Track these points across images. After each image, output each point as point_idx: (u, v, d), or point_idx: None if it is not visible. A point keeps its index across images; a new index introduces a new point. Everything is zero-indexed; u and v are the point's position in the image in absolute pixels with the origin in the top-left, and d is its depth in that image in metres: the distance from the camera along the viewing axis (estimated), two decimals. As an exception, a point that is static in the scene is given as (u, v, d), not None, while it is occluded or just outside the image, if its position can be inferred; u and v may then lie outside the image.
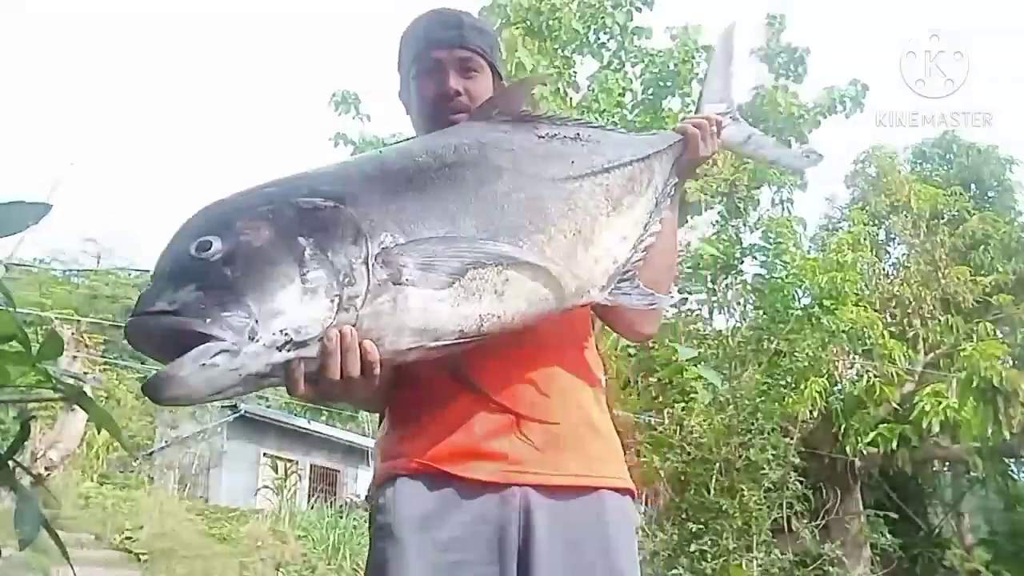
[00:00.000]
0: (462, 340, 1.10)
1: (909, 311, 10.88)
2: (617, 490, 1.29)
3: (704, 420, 7.08)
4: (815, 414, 8.82)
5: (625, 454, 1.36)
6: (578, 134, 1.32)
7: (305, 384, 1.01)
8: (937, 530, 12.19)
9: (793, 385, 8.31)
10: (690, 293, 9.00)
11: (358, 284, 1.02)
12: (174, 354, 0.96)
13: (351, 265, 1.02)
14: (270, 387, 1.05)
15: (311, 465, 15.73)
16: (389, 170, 1.17)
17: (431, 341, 1.07)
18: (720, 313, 8.92)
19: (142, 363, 14.08)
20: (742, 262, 8.94)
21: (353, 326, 1.01)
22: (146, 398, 1.06)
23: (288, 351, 0.98)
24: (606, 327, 1.52)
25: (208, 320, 0.96)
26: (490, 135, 1.25)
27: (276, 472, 13.49)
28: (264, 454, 14.98)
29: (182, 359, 0.95)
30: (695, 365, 7.25)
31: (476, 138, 1.24)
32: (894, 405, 9.72)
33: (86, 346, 9.08)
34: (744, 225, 9.12)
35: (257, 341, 0.97)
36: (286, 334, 0.98)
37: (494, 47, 1.44)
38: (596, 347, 1.42)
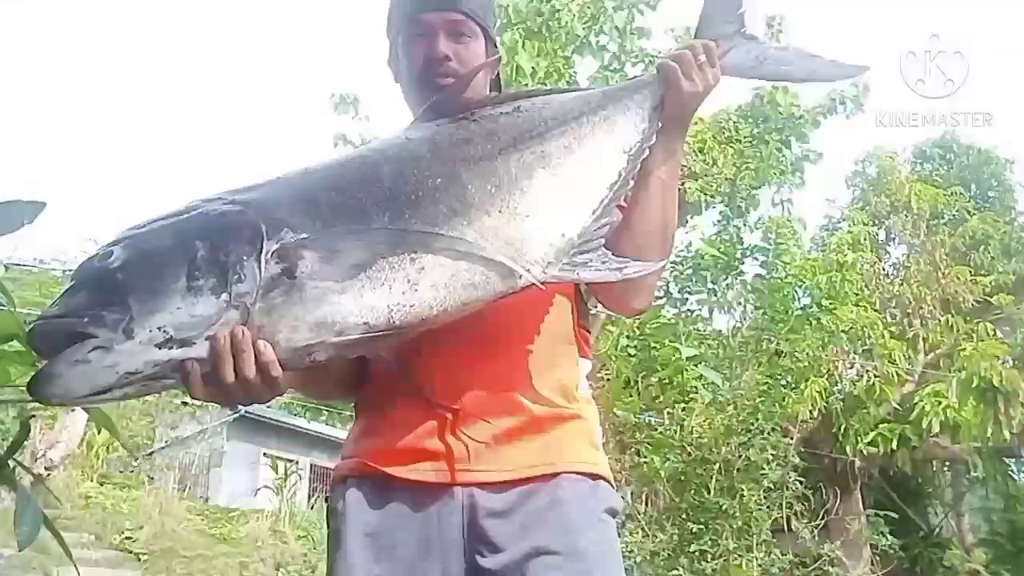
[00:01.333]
0: (371, 334, 1.04)
1: (909, 311, 10.89)
2: (579, 474, 1.21)
3: (704, 420, 7.08)
4: (815, 414, 8.83)
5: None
6: (518, 107, 1.22)
7: (204, 386, 1.00)
8: (937, 530, 12.19)
9: (793, 385, 8.31)
10: (691, 293, 9.01)
11: (248, 281, 1.00)
12: None
13: (242, 263, 1.00)
14: (168, 389, 1.05)
15: (311, 465, 15.71)
16: (311, 172, 1.15)
17: (333, 336, 1.03)
18: (720, 313, 8.95)
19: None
20: (742, 262, 8.95)
21: (244, 325, 0.99)
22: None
23: (170, 349, 0.98)
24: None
25: (85, 320, 0.96)
26: (427, 129, 1.20)
27: (276, 472, 13.48)
28: (264, 454, 14.97)
29: (58, 357, 0.96)
30: (695, 365, 7.26)
31: (405, 135, 1.21)
32: (894, 405, 9.73)
33: (86, 346, 9.06)
34: (744, 225, 9.12)
35: (133, 338, 0.96)
36: (165, 331, 0.97)
37: (488, 11, 1.37)
38: (582, 338, 1.34)
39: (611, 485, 1.26)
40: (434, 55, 1.29)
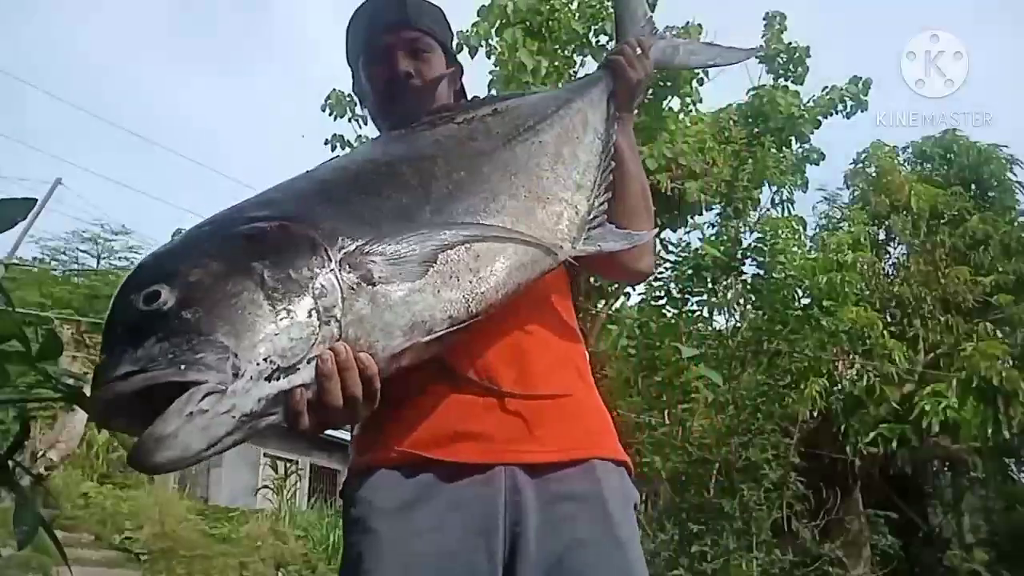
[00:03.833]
0: (455, 327, 1.04)
1: (909, 311, 10.88)
2: (612, 462, 1.24)
3: (705, 420, 7.08)
4: (815, 414, 8.82)
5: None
6: (495, 109, 1.31)
7: (310, 415, 0.94)
8: (937, 530, 12.19)
9: (793, 385, 8.31)
10: (691, 293, 9.00)
11: (330, 293, 0.95)
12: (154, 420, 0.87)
13: (317, 276, 0.95)
14: (270, 427, 0.94)
15: (311, 465, 15.72)
16: (328, 181, 1.15)
17: (424, 335, 1.01)
18: (720, 313, 8.92)
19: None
20: (742, 262, 8.94)
21: (339, 340, 0.95)
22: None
23: (278, 380, 0.91)
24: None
25: (183, 367, 0.87)
26: (410, 135, 1.26)
27: (276, 472, 13.49)
28: (264, 454, 14.97)
29: (165, 414, 0.85)
30: (696, 365, 7.26)
31: (398, 139, 1.26)
32: (894, 405, 9.72)
33: (86, 346, 9.05)
34: (744, 225, 9.12)
35: (243, 375, 0.89)
36: (272, 361, 0.90)
37: (443, 26, 1.42)
38: (584, 333, 1.41)
39: (631, 474, 1.30)
40: (395, 75, 1.33)
